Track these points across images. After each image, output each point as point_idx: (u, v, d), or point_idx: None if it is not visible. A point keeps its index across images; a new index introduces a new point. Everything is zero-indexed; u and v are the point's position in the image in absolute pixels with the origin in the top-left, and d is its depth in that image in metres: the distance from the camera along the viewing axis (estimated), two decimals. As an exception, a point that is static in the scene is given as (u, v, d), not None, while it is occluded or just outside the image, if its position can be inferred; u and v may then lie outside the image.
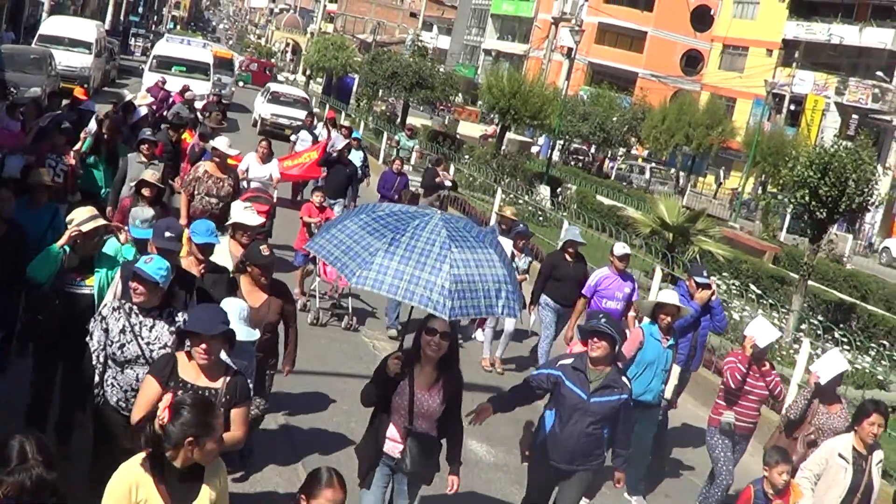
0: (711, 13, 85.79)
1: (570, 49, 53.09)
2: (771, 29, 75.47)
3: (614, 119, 61.59)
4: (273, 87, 50.39)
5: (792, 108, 71.22)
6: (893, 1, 68.81)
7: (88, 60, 41.62)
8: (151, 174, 12.43)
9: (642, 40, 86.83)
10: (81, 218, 9.35)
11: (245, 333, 8.27)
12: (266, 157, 19.82)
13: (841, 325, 21.64)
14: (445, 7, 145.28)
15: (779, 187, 47.30)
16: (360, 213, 8.16)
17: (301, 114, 40.70)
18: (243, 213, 11.29)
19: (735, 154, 69.15)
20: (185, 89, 31.05)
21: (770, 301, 21.40)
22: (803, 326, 20.83)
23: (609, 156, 69.92)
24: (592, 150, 69.11)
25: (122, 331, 8.00)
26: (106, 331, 8.06)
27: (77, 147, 16.62)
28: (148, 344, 8.02)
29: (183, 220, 14.01)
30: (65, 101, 24.68)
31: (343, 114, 52.09)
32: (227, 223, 11.57)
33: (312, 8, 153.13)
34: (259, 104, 46.82)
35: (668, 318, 11.80)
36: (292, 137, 30.07)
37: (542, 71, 58.99)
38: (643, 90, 77.37)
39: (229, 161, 16.27)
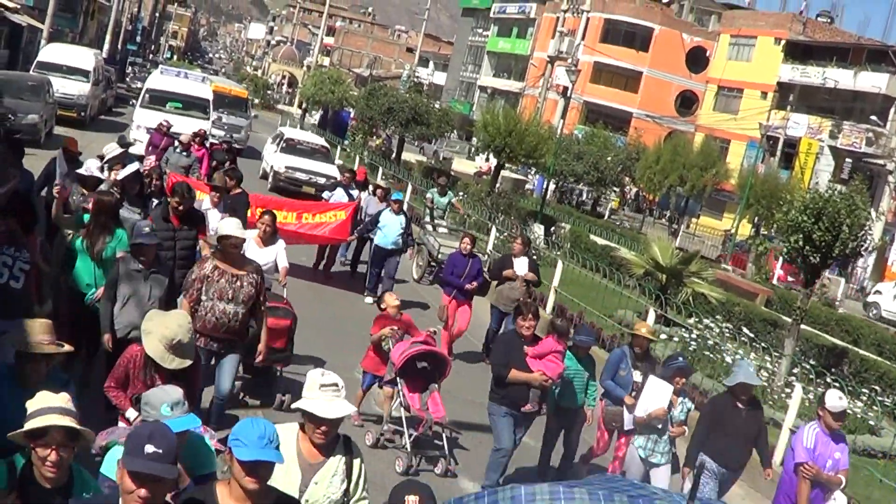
0: (707, 54, 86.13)
1: (565, 88, 53.19)
2: (766, 71, 75.89)
3: (609, 159, 61.63)
4: (287, 132, 43.08)
5: (786, 150, 71.46)
6: (888, 46, 69.21)
7: (86, 88, 41.42)
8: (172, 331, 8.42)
9: (637, 80, 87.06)
10: (40, 405, 5.78)
11: None
12: (268, 238, 14.86)
13: (833, 370, 21.67)
14: (442, 43, 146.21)
15: (772, 230, 47.44)
16: None
17: (323, 167, 37.80)
18: (318, 397, 6.39)
19: (728, 196, 69.27)
20: (202, 135, 27.88)
21: (763, 344, 21.41)
22: (795, 370, 20.84)
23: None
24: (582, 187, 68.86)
25: None
26: None
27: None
28: None
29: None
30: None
31: (339, 148, 51.78)
32: (286, 401, 7.94)
33: (309, 41, 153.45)
34: (270, 153, 40.26)
35: None
36: (325, 195, 25.49)
37: (537, 109, 59.06)
38: (637, 130, 77.51)
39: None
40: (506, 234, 31.61)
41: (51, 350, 7.32)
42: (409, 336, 13.31)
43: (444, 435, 12.86)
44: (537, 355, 11.77)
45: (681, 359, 12.67)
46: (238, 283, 11.11)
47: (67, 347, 7.57)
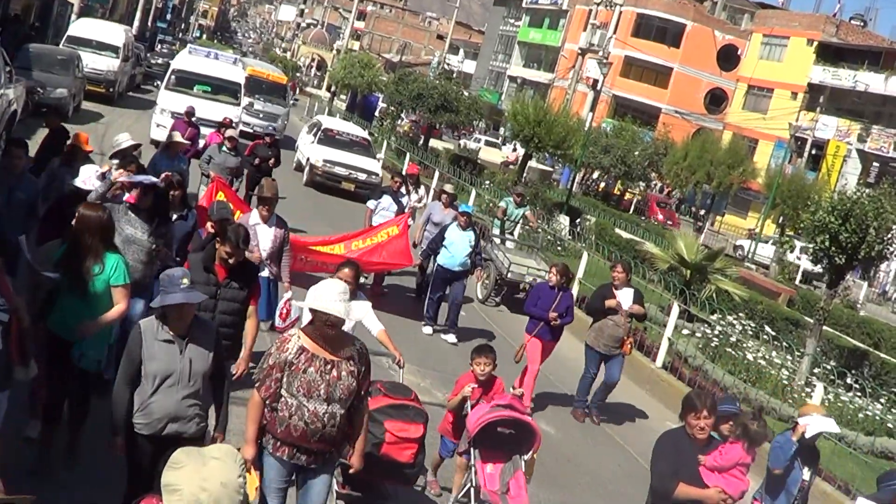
0: (738, 53, 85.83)
1: (595, 81, 53.16)
2: (797, 72, 75.56)
3: (636, 153, 61.55)
4: (325, 122, 39.43)
5: (813, 152, 71.23)
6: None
7: (115, 64, 41.31)
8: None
9: (667, 76, 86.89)
10: None
11: None
12: (351, 293, 10.13)
13: (853, 371, 21.61)
14: (473, 31, 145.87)
15: (797, 230, 47.32)
16: None
17: (364, 162, 34.86)
18: None
19: (754, 195, 69.17)
20: (227, 124, 24.98)
21: (785, 343, 21.37)
22: (816, 370, 20.80)
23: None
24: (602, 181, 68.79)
25: None
26: None
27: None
28: None
29: (248, 453, 7.53)
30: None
31: (366, 132, 51.38)
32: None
33: (340, 24, 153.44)
34: (305, 143, 37.12)
35: None
36: (370, 204, 21.31)
37: (566, 100, 59.01)
38: (666, 126, 77.28)
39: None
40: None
41: None
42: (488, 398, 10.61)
43: None
44: (717, 468, 8.67)
45: None
46: (333, 373, 7.54)
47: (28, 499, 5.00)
